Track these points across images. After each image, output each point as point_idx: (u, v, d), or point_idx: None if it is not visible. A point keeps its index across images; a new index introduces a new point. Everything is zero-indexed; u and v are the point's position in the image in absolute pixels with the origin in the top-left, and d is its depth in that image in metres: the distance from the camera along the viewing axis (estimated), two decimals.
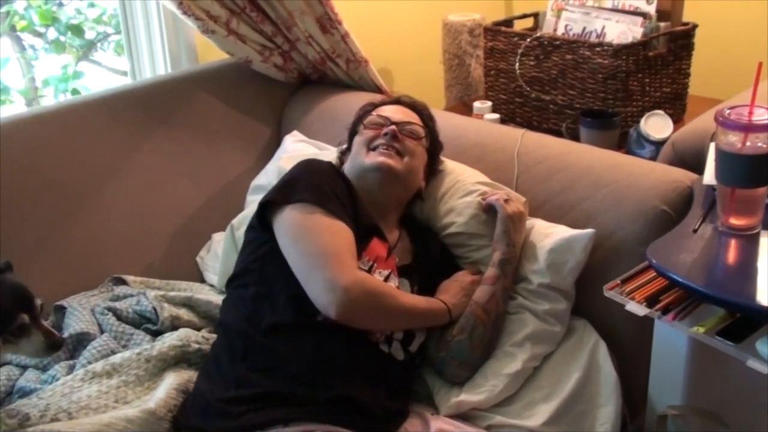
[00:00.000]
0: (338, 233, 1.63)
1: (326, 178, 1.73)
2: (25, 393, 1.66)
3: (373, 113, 1.93)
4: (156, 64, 2.64)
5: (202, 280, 2.19)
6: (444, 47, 2.90)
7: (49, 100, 3.10)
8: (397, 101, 1.99)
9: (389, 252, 1.76)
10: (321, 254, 1.59)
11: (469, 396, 1.67)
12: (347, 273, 1.56)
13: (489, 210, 1.85)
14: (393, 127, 1.85)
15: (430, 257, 1.87)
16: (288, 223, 1.66)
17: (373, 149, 1.84)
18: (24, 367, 1.78)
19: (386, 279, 1.70)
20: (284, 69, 2.50)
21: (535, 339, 1.73)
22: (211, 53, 2.54)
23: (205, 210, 2.32)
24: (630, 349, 1.76)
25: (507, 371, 1.68)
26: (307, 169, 1.78)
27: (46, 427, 1.47)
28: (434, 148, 1.96)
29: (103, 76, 3.14)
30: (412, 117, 1.92)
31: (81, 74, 3.14)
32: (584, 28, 2.53)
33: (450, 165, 2.01)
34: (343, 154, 1.98)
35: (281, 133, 2.46)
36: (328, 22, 2.40)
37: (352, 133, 1.96)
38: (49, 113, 2.24)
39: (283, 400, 1.51)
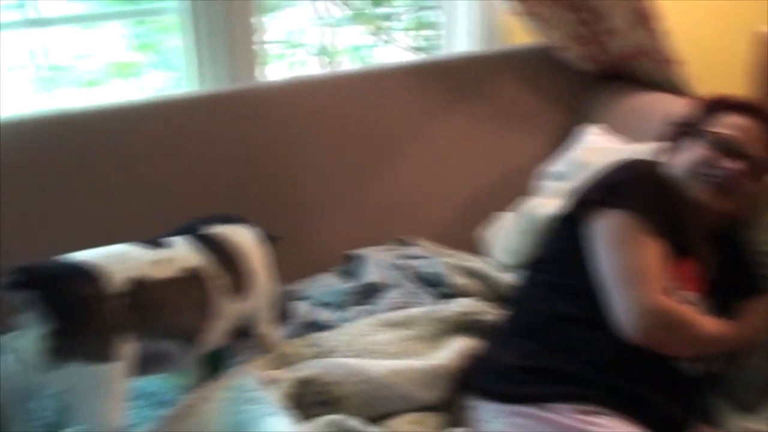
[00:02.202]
0: (652, 253, 1.56)
1: (654, 187, 1.64)
2: (320, 328, 1.78)
3: (720, 125, 1.70)
4: (457, 41, 2.69)
5: (485, 255, 2.21)
6: (754, 59, 2.74)
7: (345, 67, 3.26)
8: (752, 110, 1.73)
9: (699, 271, 1.66)
10: (632, 273, 1.54)
11: (757, 425, 1.58)
12: (652, 299, 1.51)
13: None
14: (735, 170, 1.64)
15: (737, 271, 1.73)
16: (606, 229, 1.60)
17: (705, 175, 1.66)
18: (320, 304, 1.90)
19: (689, 302, 1.61)
20: (590, 59, 2.46)
21: None
22: (513, 36, 2.58)
23: (492, 187, 2.35)
24: None
25: None
26: (636, 173, 1.67)
27: (341, 361, 1.55)
28: None
29: (394, 51, 3.26)
30: (763, 143, 1.68)
31: (375, 45, 3.27)
32: None
33: None
34: (665, 151, 1.81)
35: (578, 123, 2.43)
36: (644, 17, 2.34)
37: (686, 130, 1.77)
38: (359, 75, 2.39)
39: (571, 378, 1.51)
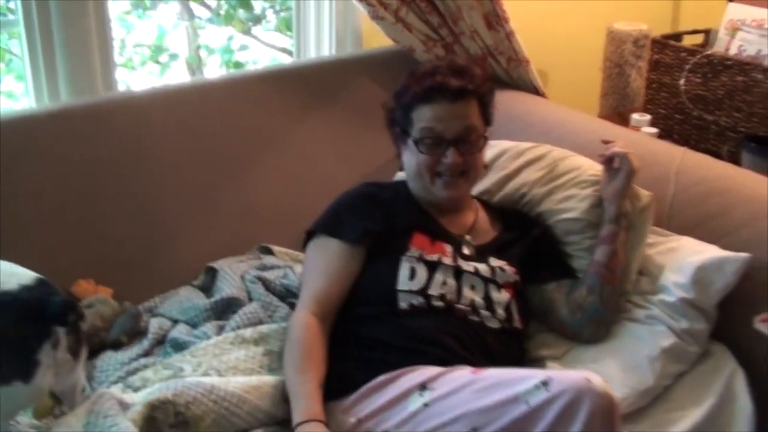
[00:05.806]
0: (323, 265, 1.72)
1: (351, 200, 1.83)
2: (177, 343, 1.78)
3: (420, 121, 1.74)
4: (321, 44, 2.70)
5: None
6: (606, 55, 2.86)
7: (212, 69, 3.23)
8: (440, 91, 1.72)
9: (448, 238, 1.75)
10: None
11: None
12: (295, 315, 1.67)
13: (608, 162, 1.85)
14: (453, 160, 1.71)
15: (524, 235, 1.86)
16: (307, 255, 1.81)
17: (437, 175, 1.75)
18: (175, 321, 1.89)
19: (436, 263, 1.69)
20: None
21: (670, 356, 1.69)
22: (376, 40, 2.60)
23: None
24: None
25: (638, 387, 1.65)
26: (341, 197, 1.86)
27: (195, 380, 1.56)
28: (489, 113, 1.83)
29: (263, 52, 3.26)
30: (466, 116, 1.73)
31: (245, 47, 3.26)
32: (759, 51, 2.45)
33: (574, 160, 2.00)
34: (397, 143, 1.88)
35: None
36: (494, 19, 2.41)
37: (404, 128, 1.80)
38: (216, 84, 2.37)
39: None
